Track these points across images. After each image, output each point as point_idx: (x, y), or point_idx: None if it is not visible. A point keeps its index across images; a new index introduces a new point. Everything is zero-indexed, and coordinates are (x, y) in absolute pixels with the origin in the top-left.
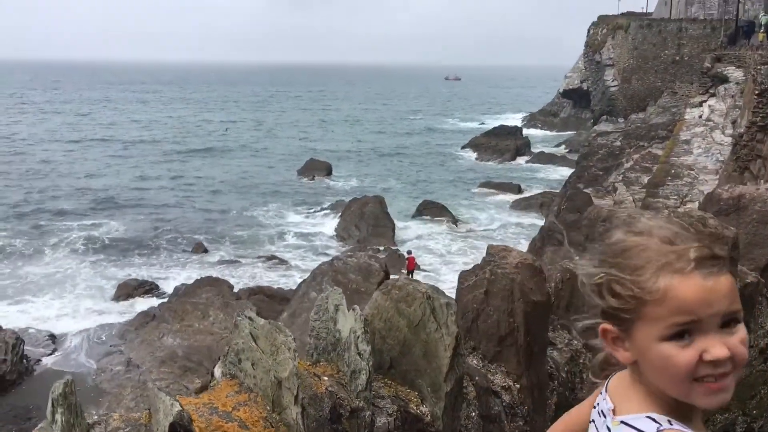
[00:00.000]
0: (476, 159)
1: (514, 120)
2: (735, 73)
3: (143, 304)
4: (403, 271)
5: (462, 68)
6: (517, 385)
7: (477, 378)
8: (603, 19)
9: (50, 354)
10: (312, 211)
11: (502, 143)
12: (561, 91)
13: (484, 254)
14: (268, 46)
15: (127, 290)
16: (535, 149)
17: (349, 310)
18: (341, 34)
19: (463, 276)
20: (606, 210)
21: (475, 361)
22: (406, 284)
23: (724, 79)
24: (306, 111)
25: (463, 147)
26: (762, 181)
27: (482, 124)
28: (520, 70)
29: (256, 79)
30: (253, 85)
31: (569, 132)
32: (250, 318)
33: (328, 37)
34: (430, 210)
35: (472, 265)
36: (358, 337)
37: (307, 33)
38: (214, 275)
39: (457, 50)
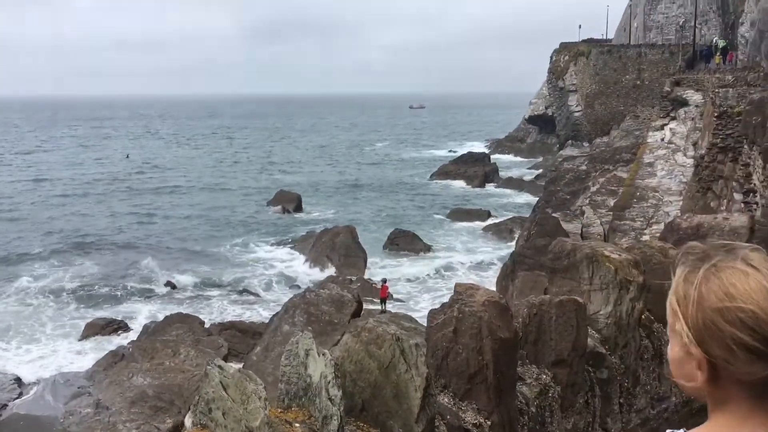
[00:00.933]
0: (445, 186)
1: (481, 147)
2: (694, 96)
3: (112, 343)
4: (375, 300)
5: (428, 97)
6: (489, 422)
7: (448, 417)
8: (565, 47)
9: (17, 398)
10: (282, 243)
11: (471, 170)
12: (526, 117)
13: (455, 282)
14: (243, 78)
15: (95, 330)
16: (504, 174)
17: (319, 355)
18: (314, 66)
19: (432, 314)
20: (570, 244)
21: (446, 399)
22: (375, 326)
23: (684, 103)
24: (276, 143)
25: (432, 175)
26: (724, 201)
27: (451, 151)
28: (486, 98)
29: (228, 111)
30: (222, 117)
31: (536, 158)
32: (219, 366)
33: (302, 68)
34: (402, 239)
35: (444, 292)
36: (329, 382)
37: (282, 64)
38: (184, 311)
39: (426, 78)
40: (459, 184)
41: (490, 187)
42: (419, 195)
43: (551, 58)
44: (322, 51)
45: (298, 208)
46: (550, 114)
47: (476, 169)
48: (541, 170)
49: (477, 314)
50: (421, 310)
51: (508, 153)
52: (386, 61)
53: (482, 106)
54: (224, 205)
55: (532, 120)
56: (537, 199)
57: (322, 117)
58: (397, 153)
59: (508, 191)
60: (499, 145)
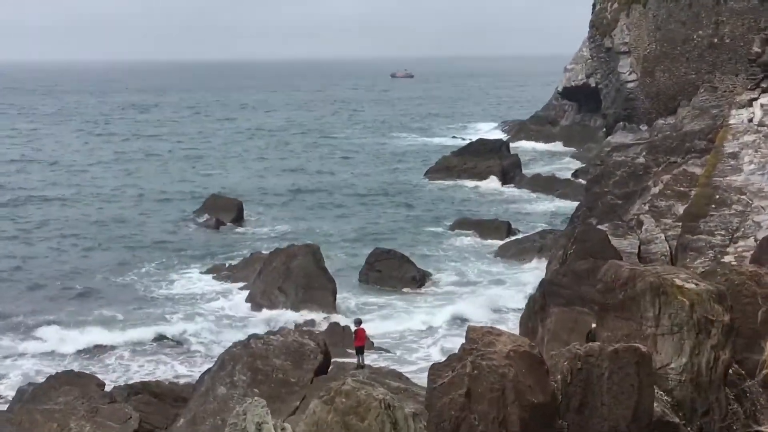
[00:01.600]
0: (447, 188)
1: (497, 131)
2: None
3: None
4: (349, 350)
5: (419, 61)
6: None
7: None
8: None
9: None
10: (216, 269)
11: (482, 164)
12: (560, 89)
13: (462, 332)
14: (149, 39)
15: None
16: (529, 171)
17: (277, 430)
18: (266, 24)
19: (436, 371)
20: (626, 269)
21: None
22: (354, 389)
23: None
24: (205, 127)
25: (427, 172)
26: None
27: (454, 138)
28: (503, 63)
29: (132, 83)
30: (123, 92)
31: (574, 146)
32: None
33: (248, 27)
34: (385, 262)
35: (449, 336)
36: None
37: (226, 24)
38: (76, 369)
39: (414, 40)
40: (466, 184)
41: (509, 189)
42: (409, 200)
43: (594, 6)
44: (269, 2)
45: (238, 220)
46: (593, 85)
47: (490, 162)
48: (581, 164)
49: (499, 370)
50: (416, 362)
51: (535, 140)
52: (359, 15)
53: (497, 74)
54: (131, 218)
55: (567, 93)
56: (576, 204)
57: (272, 90)
58: (378, 141)
59: (534, 194)
60: (521, 130)
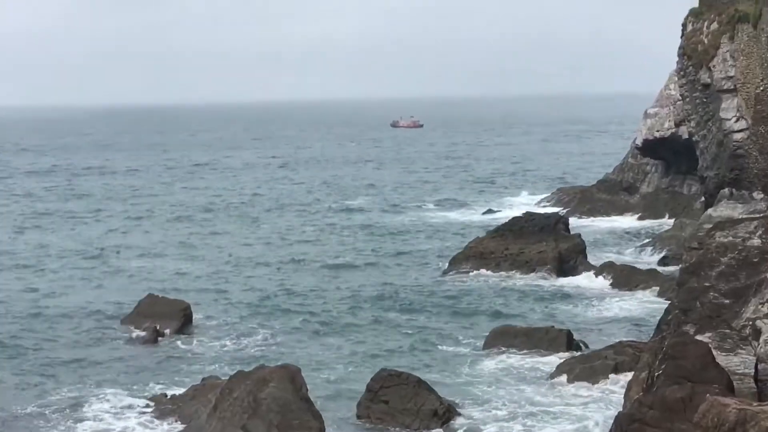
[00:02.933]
0: (478, 283)
1: (550, 203)
2: None
3: None
4: None
5: (429, 104)
6: None
7: None
8: (709, 5)
9: None
10: (154, 400)
11: (530, 249)
12: (639, 143)
13: None
14: (88, 80)
15: None
16: (596, 257)
17: None
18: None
19: None
20: (734, 410)
21: None
22: None
23: None
24: (133, 197)
25: (452, 262)
26: None
27: (490, 211)
28: (550, 105)
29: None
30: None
31: (659, 220)
32: None
33: (183, 59)
34: (394, 390)
35: None
36: None
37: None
38: None
39: (425, 73)
40: (507, 277)
41: (569, 283)
42: (427, 302)
43: (684, 27)
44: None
45: (185, 329)
46: (686, 136)
47: (541, 246)
48: (670, 247)
49: None
50: None
51: (605, 214)
52: (346, 45)
53: (547, 121)
54: (30, 329)
55: (649, 148)
56: (665, 305)
57: (232, 147)
58: (380, 218)
59: (605, 290)
60: (585, 200)
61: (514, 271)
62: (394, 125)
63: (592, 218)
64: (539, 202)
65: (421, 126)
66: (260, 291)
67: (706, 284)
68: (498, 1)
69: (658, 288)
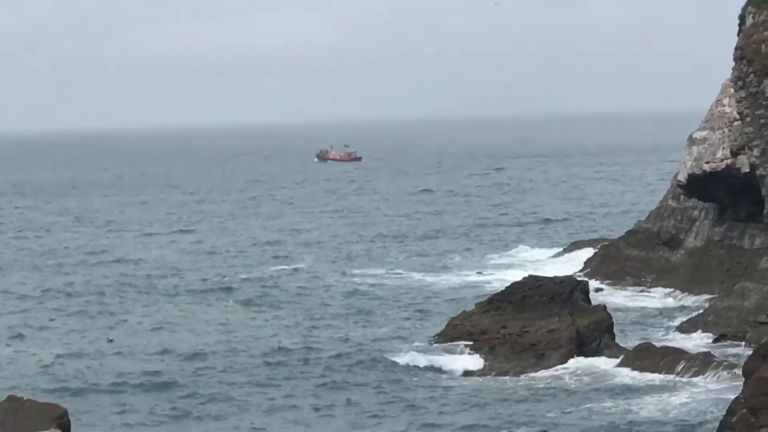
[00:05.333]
0: (472, 375)
1: (563, 262)
2: None
3: None
4: None
5: (374, 127)
6: None
7: None
8: None
9: None
10: None
11: (536, 327)
12: (682, 178)
13: None
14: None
15: None
16: (627, 338)
17: None
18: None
19: None
20: None
21: None
22: None
23: None
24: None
25: (433, 342)
26: None
27: (479, 273)
28: (565, 130)
29: None
30: None
31: (709, 290)
32: None
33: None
34: None
35: None
36: None
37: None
38: None
39: (372, 92)
40: (504, 365)
41: (591, 371)
42: (395, 403)
43: (741, 22)
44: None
45: None
46: (746, 170)
47: (552, 323)
48: (728, 322)
49: None
50: None
51: (636, 277)
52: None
53: (560, 150)
54: None
55: (695, 186)
56: (727, 403)
57: (117, 194)
58: (334, 281)
59: (642, 381)
60: (609, 258)
61: (514, 358)
62: (321, 157)
63: (619, 283)
64: (546, 260)
65: (359, 159)
66: (162, 387)
67: None
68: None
69: (711, 379)
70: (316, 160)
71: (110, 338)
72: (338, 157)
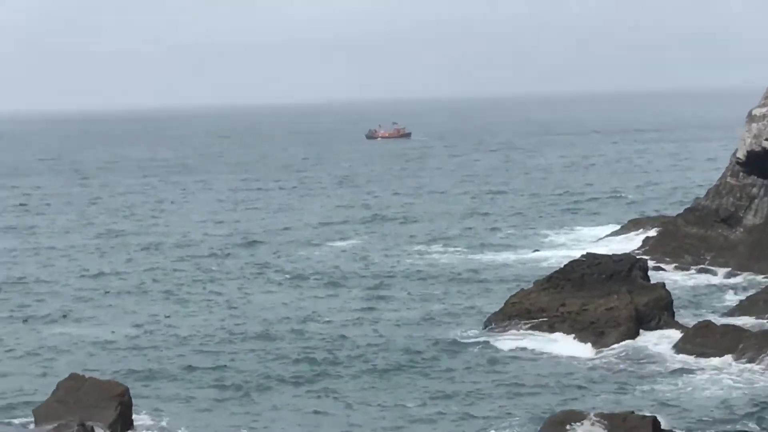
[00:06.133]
0: (523, 350)
1: (621, 239)
2: None
3: None
4: None
5: (422, 103)
6: None
7: None
8: None
9: None
10: None
11: (595, 304)
12: (741, 156)
13: None
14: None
15: None
16: (686, 315)
17: None
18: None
19: None
20: None
21: None
22: None
23: None
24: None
25: (488, 322)
26: None
27: (534, 253)
28: (619, 105)
29: None
30: None
31: (765, 270)
32: None
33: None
34: None
35: None
36: None
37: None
38: None
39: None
40: (562, 342)
41: (651, 348)
42: (456, 378)
43: None
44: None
45: (122, 425)
46: None
47: (611, 300)
48: None
49: None
50: None
51: (695, 255)
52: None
53: (611, 127)
54: None
55: (755, 163)
56: None
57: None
58: (377, 261)
59: (702, 360)
60: (668, 236)
61: (573, 336)
62: (371, 136)
63: (678, 261)
64: (604, 238)
65: (409, 135)
66: (224, 371)
67: None
68: None
69: None
70: (365, 137)
71: (167, 315)
72: (387, 135)
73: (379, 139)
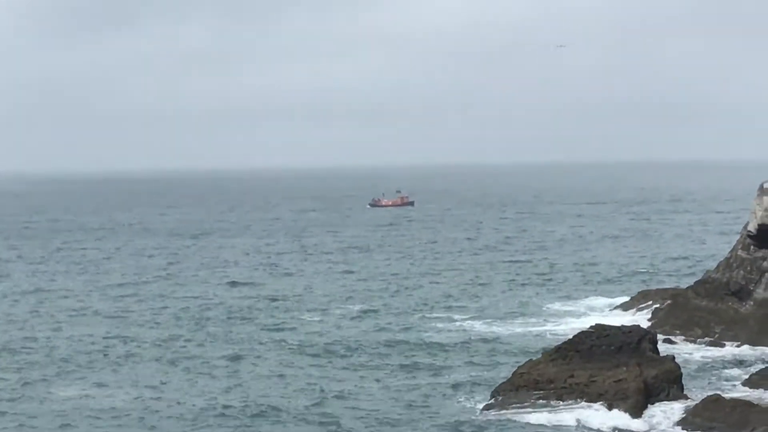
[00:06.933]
0: (533, 423)
1: (630, 313)
2: None
3: None
4: None
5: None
6: None
7: None
8: None
9: None
10: None
11: (606, 376)
12: (752, 229)
13: None
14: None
15: None
16: (695, 389)
17: None
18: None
19: None
20: None
21: None
22: None
23: None
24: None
25: (498, 393)
26: None
27: (542, 325)
28: (622, 177)
29: None
30: None
31: None
32: None
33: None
34: None
35: None
36: None
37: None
38: None
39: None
40: (569, 418)
41: (659, 422)
42: None
43: None
44: None
45: None
46: None
47: (620, 373)
48: None
49: None
50: None
51: (705, 327)
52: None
53: (618, 199)
54: None
55: (766, 235)
56: None
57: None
58: (392, 330)
59: None
60: (677, 308)
61: (578, 406)
62: (375, 204)
63: (688, 334)
64: (611, 310)
65: (412, 204)
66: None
67: None
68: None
69: None
70: (368, 207)
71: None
72: (390, 204)
73: (382, 207)
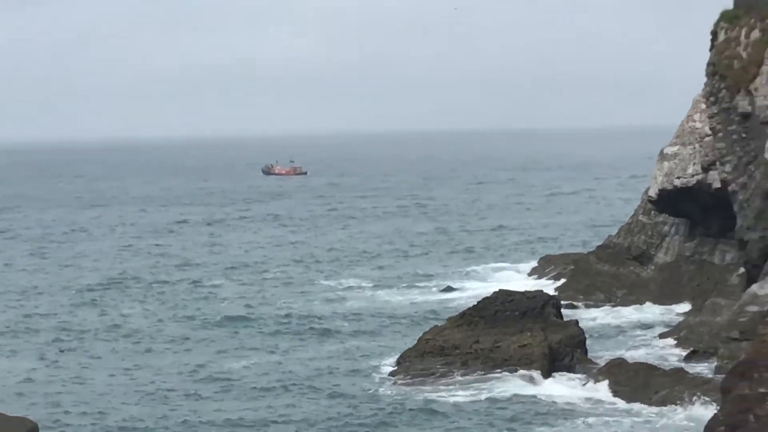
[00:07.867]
0: (433, 397)
1: (534, 278)
2: None
3: None
4: None
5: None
6: None
7: None
8: (750, 7)
9: None
10: None
11: (511, 341)
12: (653, 194)
13: None
14: None
15: None
16: (599, 353)
17: None
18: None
19: None
20: None
21: None
22: None
23: None
24: None
25: (403, 360)
26: None
27: (446, 290)
28: (534, 142)
29: None
30: None
31: (680, 305)
32: None
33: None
34: None
35: None
36: None
37: None
38: None
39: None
40: (475, 387)
41: (564, 390)
42: (363, 426)
43: (713, 37)
44: None
45: None
46: (717, 185)
47: (524, 338)
48: (699, 338)
49: None
50: None
51: (606, 292)
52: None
53: (527, 163)
54: None
55: (667, 201)
56: (704, 419)
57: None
58: (290, 303)
59: (616, 397)
60: (579, 272)
61: (485, 375)
62: (267, 171)
63: (590, 298)
64: (517, 277)
65: (305, 173)
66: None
67: (762, 390)
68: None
69: (687, 393)
70: (261, 172)
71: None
72: (284, 172)
73: (275, 174)
